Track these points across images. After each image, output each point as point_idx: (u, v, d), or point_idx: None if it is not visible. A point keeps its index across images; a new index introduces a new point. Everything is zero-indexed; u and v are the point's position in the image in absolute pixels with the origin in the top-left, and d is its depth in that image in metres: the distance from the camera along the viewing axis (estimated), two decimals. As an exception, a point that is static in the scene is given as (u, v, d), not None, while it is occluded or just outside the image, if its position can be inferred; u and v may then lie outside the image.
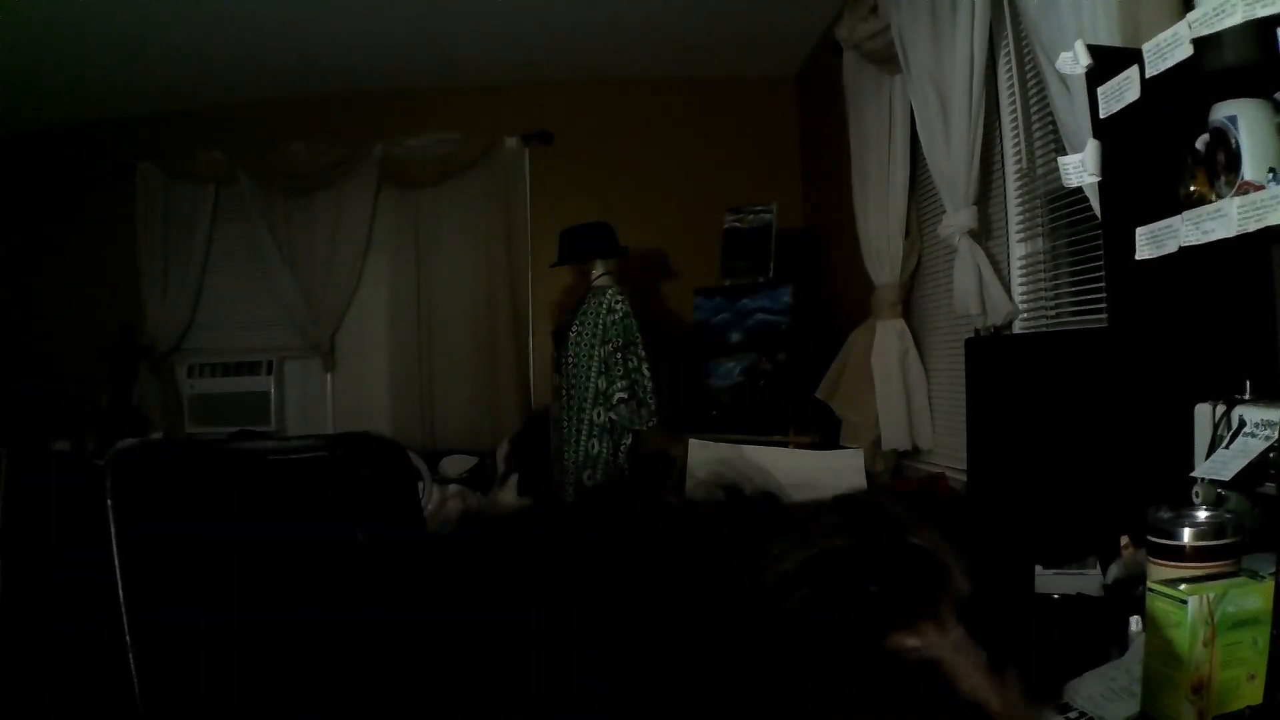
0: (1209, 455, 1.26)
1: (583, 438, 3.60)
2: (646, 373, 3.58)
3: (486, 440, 5.04)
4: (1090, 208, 1.98)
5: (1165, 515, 1.11)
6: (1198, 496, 1.25)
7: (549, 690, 0.42)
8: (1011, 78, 2.80)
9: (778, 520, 0.48)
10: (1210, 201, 1.27)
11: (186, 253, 5.39)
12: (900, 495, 2.84)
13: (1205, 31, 1.22)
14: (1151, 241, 1.39)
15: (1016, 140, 2.80)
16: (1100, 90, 1.50)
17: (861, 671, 0.42)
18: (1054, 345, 2.29)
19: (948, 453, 3.30)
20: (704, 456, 3.96)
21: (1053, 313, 2.63)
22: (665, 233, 5.09)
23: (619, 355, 3.55)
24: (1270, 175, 1.20)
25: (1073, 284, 2.55)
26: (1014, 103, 2.79)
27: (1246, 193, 1.20)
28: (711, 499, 0.53)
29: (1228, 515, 1.09)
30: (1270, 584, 0.98)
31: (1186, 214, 1.29)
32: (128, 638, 1.11)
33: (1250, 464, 1.16)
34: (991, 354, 2.44)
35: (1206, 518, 1.08)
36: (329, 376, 5.47)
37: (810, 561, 0.43)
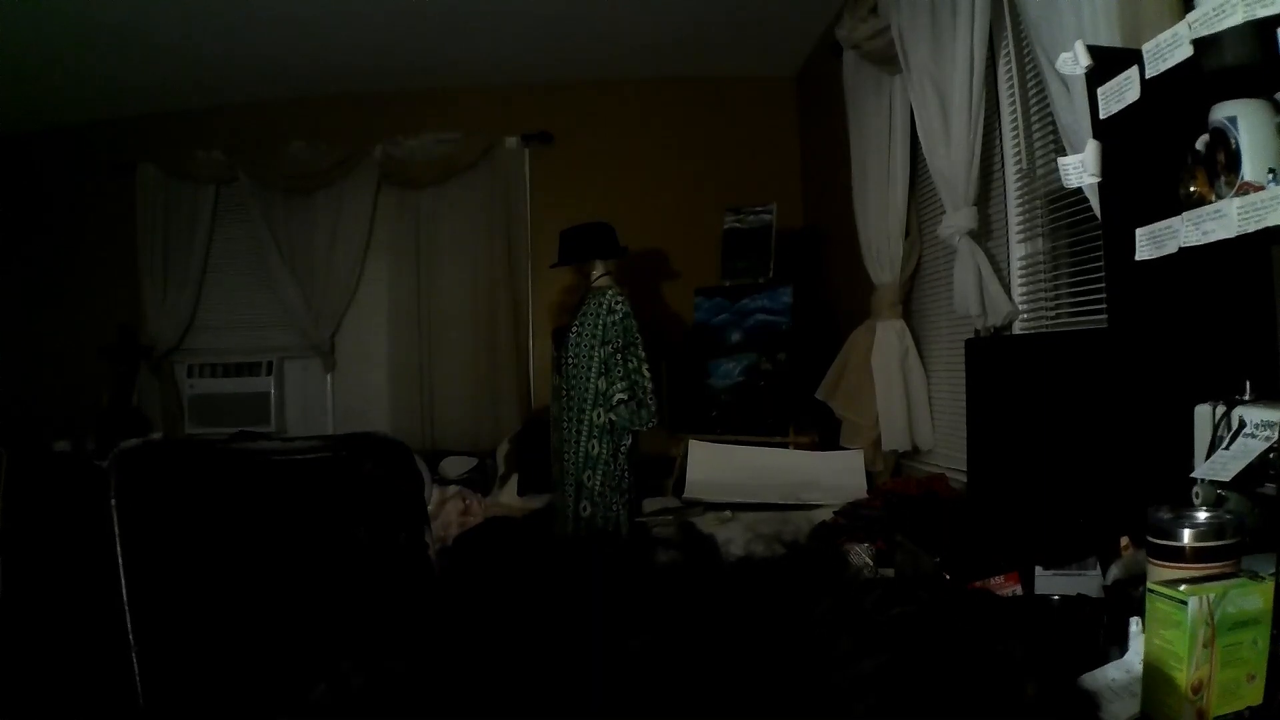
0: (1209, 456, 1.26)
1: (583, 439, 3.60)
2: (646, 374, 3.57)
3: (486, 440, 5.04)
4: (1090, 208, 1.98)
5: (1165, 516, 1.11)
6: (1198, 497, 1.25)
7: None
8: (1011, 78, 2.80)
9: (841, 598, 0.46)
10: (1210, 202, 1.27)
11: (186, 253, 5.39)
12: (900, 498, 2.83)
13: (1205, 32, 1.22)
14: (1151, 242, 1.39)
15: (1016, 140, 2.80)
16: (1100, 91, 1.50)
17: None
18: (1054, 346, 2.28)
19: (948, 453, 3.30)
20: (705, 457, 3.97)
21: (1053, 313, 2.63)
22: (665, 233, 5.09)
23: (619, 356, 3.55)
24: (1270, 176, 1.20)
25: (1073, 284, 2.55)
26: (1014, 103, 2.79)
27: (1246, 193, 1.20)
28: (771, 554, 0.51)
29: (1228, 516, 1.09)
30: (1270, 585, 0.98)
31: (1186, 214, 1.29)
32: (130, 637, 1.11)
33: (1250, 465, 1.16)
34: (991, 355, 2.44)
35: (1206, 518, 1.08)
36: (329, 377, 5.47)
37: (887, 668, 0.41)
